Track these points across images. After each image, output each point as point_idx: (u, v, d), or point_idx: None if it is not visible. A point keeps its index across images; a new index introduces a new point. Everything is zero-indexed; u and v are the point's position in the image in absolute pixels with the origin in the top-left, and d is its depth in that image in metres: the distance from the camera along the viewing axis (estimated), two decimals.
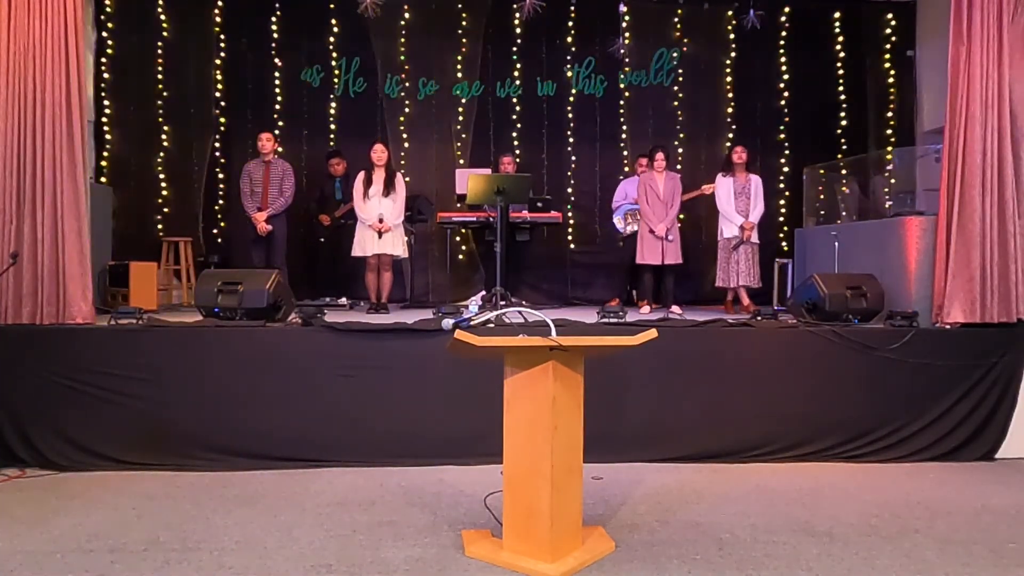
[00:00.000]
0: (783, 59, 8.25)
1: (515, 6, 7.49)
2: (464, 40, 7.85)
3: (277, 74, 7.89)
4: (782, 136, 8.33)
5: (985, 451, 4.94)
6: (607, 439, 4.48)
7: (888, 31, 7.84)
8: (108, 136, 7.43)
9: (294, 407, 4.55)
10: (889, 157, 7.31)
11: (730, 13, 8.06)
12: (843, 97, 8.23)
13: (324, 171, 7.36)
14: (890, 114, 7.95)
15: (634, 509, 3.83)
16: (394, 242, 6.27)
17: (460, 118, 7.85)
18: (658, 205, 6.41)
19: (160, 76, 7.61)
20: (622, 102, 8.13)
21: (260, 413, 4.50)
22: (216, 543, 3.30)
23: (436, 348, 4.35)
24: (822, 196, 7.80)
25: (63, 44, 4.66)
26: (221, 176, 7.86)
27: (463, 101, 7.85)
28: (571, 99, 8.13)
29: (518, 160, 7.56)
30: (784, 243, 8.14)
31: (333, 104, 7.95)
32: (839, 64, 8.21)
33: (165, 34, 7.60)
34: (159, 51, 7.59)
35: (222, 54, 7.72)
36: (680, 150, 8.16)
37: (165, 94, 7.63)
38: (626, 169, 8.08)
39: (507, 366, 3.18)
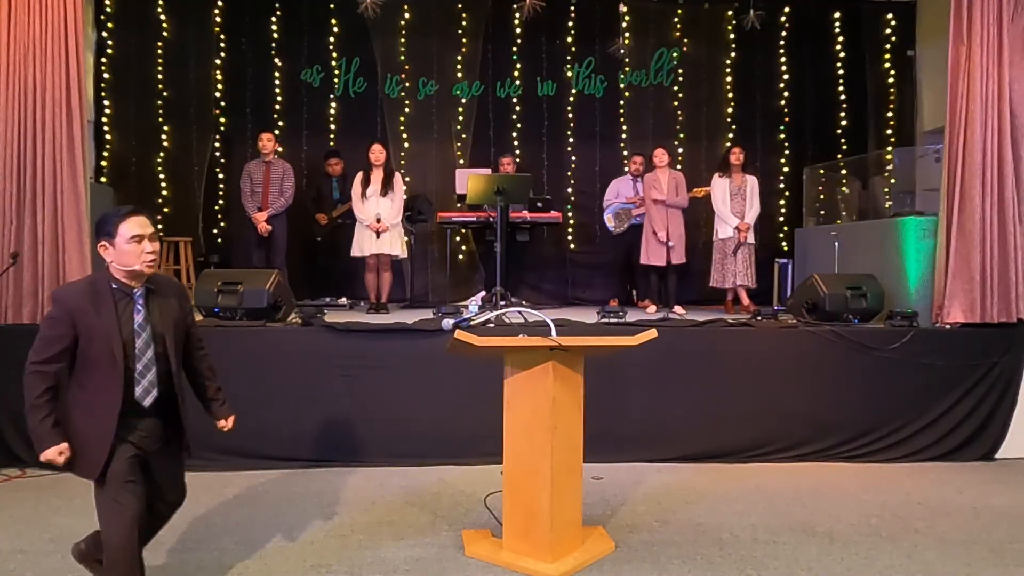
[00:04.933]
0: (783, 59, 8.25)
1: (515, 6, 7.48)
2: (464, 40, 7.84)
3: (277, 74, 7.89)
4: (782, 136, 8.34)
5: (985, 451, 4.95)
6: (607, 439, 4.49)
7: (888, 31, 7.84)
8: (108, 136, 7.43)
9: (294, 407, 4.55)
10: (889, 157, 7.31)
11: (730, 13, 8.06)
12: (843, 97, 8.23)
13: (322, 171, 7.36)
14: (890, 114, 7.95)
15: (634, 509, 3.83)
16: (392, 242, 6.26)
17: (460, 118, 7.85)
18: (661, 206, 6.38)
19: (160, 76, 7.60)
20: (622, 102, 8.13)
21: (260, 413, 4.49)
22: (216, 543, 3.30)
23: (436, 348, 4.35)
24: (822, 196, 7.80)
25: (63, 44, 4.66)
26: (221, 176, 7.85)
27: (463, 101, 7.84)
28: (571, 99, 8.12)
29: (518, 160, 7.55)
30: (784, 243, 8.14)
31: (333, 104, 7.94)
32: (839, 64, 8.21)
33: (165, 34, 7.59)
34: (159, 51, 7.58)
35: (222, 54, 7.71)
36: (680, 150, 8.16)
37: (165, 94, 7.62)
38: (625, 169, 8.07)
39: (507, 366, 3.18)
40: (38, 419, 2.38)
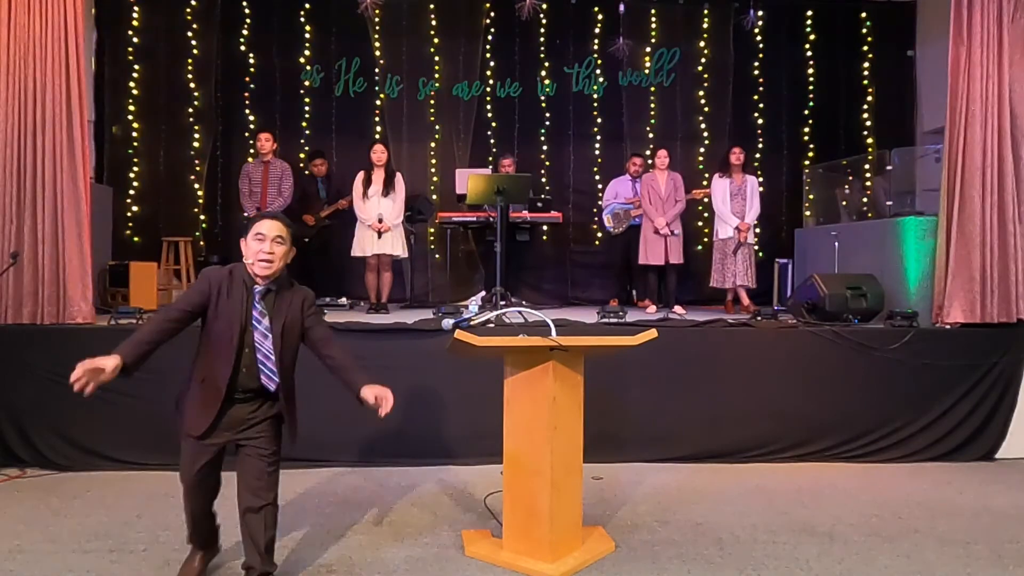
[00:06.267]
0: (783, 59, 8.25)
1: (515, 6, 7.48)
2: (464, 40, 7.84)
3: (277, 74, 7.89)
4: (782, 136, 8.33)
5: (985, 451, 4.95)
6: (607, 439, 4.49)
7: (888, 31, 7.84)
8: (108, 136, 7.43)
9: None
10: (889, 157, 7.32)
11: (730, 13, 8.06)
12: (843, 97, 8.23)
13: (307, 171, 7.34)
14: (890, 114, 7.95)
15: (634, 509, 3.83)
16: (394, 242, 6.26)
17: (460, 118, 7.85)
18: (659, 204, 6.40)
19: (160, 76, 7.60)
20: (622, 102, 8.12)
21: None
22: None
23: (436, 348, 4.35)
24: (822, 196, 7.80)
25: (63, 44, 4.66)
26: (221, 176, 7.85)
27: (463, 101, 7.84)
28: (571, 99, 8.12)
29: (517, 160, 7.56)
30: (784, 243, 8.14)
31: (333, 104, 7.94)
32: (839, 64, 8.22)
33: (165, 34, 7.59)
34: (159, 51, 7.58)
35: (222, 54, 7.72)
36: (680, 150, 8.16)
37: (164, 94, 7.62)
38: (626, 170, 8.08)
39: (507, 366, 3.18)
40: (136, 335, 2.63)
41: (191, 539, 2.99)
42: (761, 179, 7.32)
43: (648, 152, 7.55)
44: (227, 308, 2.67)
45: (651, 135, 8.10)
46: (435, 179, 7.96)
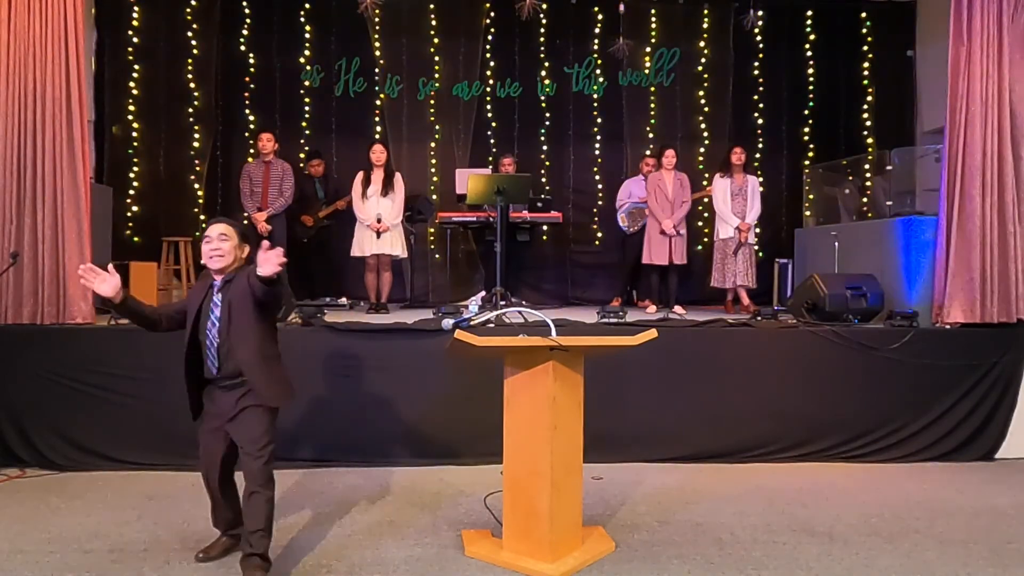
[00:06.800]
0: (783, 59, 8.25)
1: (515, 6, 7.49)
2: (464, 40, 7.84)
3: (277, 74, 7.89)
4: (782, 136, 8.33)
5: (985, 451, 4.95)
6: (607, 439, 4.49)
7: (888, 31, 7.84)
8: (108, 136, 7.43)
9: (294, 407, 4.52)
10: (889, 157, 7.32)
11: (730, 13, 8.05)
12: (843, 97, 8.23)
13: (305, 172, 7.34)
14: (890, 114, 7.96)
15: (634, 509, 3.83)
16: (393, 242, 6.27)
17: (460, 118, 7.85)
18: (666, 204, 6.38)
19: (159, 76, 7.60)
20: (622, 102, 8.12)
21: None
22: None
23: (436, 348, 4.35)
24: (822, 196, 7.80)
25: (63, 44, 4.65)
26: (221, 176, 7.85)
27: (463, 101, 7.84)
28: (571, 99, 8.12)
29: (517, 160, 7.57)
30: (784, 243, 8.13)
31: (333, 104, 7.94)
32: (839, 64, 8.22)
33: (165, 34, 7.59)
34: (159, 51, 7.58)
35: (222, 54, 7.72)
36: (680, 150, 8.13)
37: (164, 94, 7.62)
38: (626, 169, 8.08)
39: (507, 366, 3.18)
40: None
41: (213, 522, 3.18)
42: (761, 179, 7.32)
43: (648, 152, 7.54)
44: (192, 307, 2.98)
45: (651, 135, 8.10)
46: (435, 179, 7.96)
